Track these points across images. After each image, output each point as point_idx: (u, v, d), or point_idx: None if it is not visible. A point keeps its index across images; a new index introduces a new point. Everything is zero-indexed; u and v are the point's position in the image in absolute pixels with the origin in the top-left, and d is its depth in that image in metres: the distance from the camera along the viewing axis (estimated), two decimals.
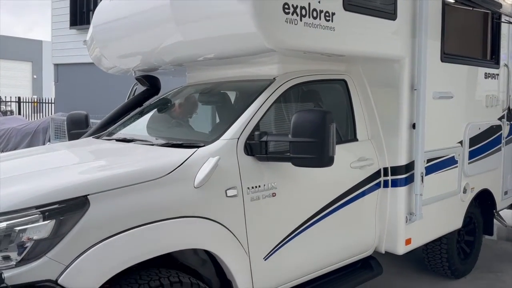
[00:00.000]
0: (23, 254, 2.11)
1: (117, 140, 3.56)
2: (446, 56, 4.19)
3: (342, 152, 3.39)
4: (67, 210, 2.21)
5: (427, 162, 3.96)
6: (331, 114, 2.78)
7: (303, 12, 2.90)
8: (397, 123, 3.78)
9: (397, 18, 3.59)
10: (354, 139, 3.71)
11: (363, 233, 3.72)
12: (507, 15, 5.04)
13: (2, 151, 11.29)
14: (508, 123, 5.23)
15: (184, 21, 3.31)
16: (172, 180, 2.57)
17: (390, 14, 3.54)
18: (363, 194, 3.63)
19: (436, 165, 4.11)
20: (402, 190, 3.80)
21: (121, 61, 4.24)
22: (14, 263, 2.10)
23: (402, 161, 3.79)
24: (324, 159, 2.76)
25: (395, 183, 3.80)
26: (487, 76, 4.83)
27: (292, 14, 2.85)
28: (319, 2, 2.98)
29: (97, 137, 3.85)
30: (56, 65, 16.59)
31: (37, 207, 2.16)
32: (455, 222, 4.51)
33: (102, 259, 2.23)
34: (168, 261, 2.62)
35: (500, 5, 4.86)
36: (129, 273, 2.38)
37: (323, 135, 2.72)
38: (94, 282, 2.19)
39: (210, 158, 2.70)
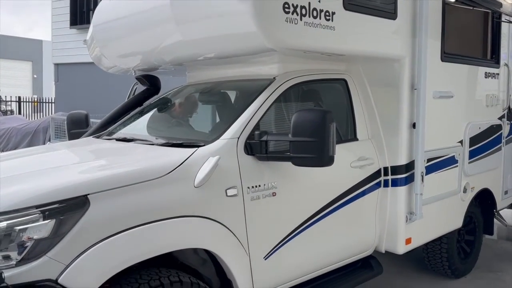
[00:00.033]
0: (23, 254, 2.12)
1: (117, 139, 3.56)
2: (446, 56, 4.18)
3: (342, 152, 3.39)
4: (67, 209, 2.21)
5: (427, 162, 3.96)
6: (331, 113, 2.78)
7: (303, 11, 2.90)
8: (397, 123, 3.78)
9: (397, 17, 3.59)
10: (354, 138, 3.71)
11: (363, 232, 3.72)
12: (507, 15, 5.03)
13: (2, 151, 11.29)
14: (508, 122, 5.22)
15: (184, 20, 3.31)
16: (172, 180, 2.57)
17: (390, 13, 3.54)
18: (363, 193, 3.63)
19: (436, 165, 4.11)
20: (402, 190, 3.80)
21: (121, 60, 4.24)
22: (14, 262, 2.11)
23: (402, 160, 3.79)
24: (324, 159, 2.76)
25: (395, 183, 3.80)
26: (487, 75, 4.82)
27: (292, 14, 2.85)
28: (319, 1, 2.98)
29: (97, 137, 3.86)
30: (56, 65, 16.58)
31: (37, 207, 2.16)
32: (455, 221, 4.51)
33: (102, 259, 2.23)
34: (168, 261, 2.62)
35: (501, 5, 4.86)
36: (129, 273, 2.38)
37: (323, 135, 2.72)
38: (94, 281, 2.19)
39: (210, 157, 2.70)
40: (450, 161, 4.27)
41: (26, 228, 2.13)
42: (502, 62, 5.06)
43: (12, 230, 2.11)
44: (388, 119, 3.81)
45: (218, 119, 3.92)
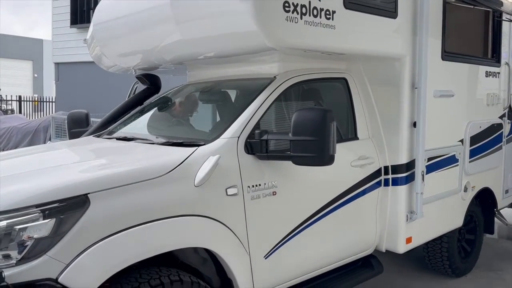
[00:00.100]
0: (23, 253, 2.12)
1: (118, 138, 3.56)
2: (447, 55, 4.18)
3: (342, 151, 3.39)
4: (68, 208, 2.21)
5: (428, 161, 3.96)
6: (332, 112, 2.77)
7: (304, 10, 2.90)
8: (398, 122, 3.77)
9: (398, 16, 3.58)
10: (355, 137, 3.71)
11: (363, 231, 3.72)
12: (508, 13, 5.02)
13: (3, 150, 11.29)
14: (509, 121, 5.22)
15: (184, 19, 3.31)
16: (173, 179, 2.57)
17: (391, 12, 3.53)
18: (363, 192, 3.63)
19: (437, 164, 4.10)
20: (402, 189, 3.79)
21: (122, 59, 4.24)
22: (15, 261, 2.11)
23: (403, 159, 3.78)
24: (324, 158, 2.75)
25: (395, 182, 3.80)
26: (488, 74, 4.82)
27: (293, 13, 2.84)
28: (319, 0, 2.98)
29: (98, 136, 3.86)
30: (57, 64, 16.58)
31: (37, 206, 2.16)
32: (456, 220, 4.51)
33: (102, 258, 2.23)
34: (168, 260, 2.62)
35: (501, 3, 4.85)
36: (130, 272, 2.38)
37: (323, 134, 2.72)
38: (94, 280, 2.19)
39: (211, 156, 2.70)
40: (451, 160, 4.27)
41: (26, 227, 2.13)
42: (503, 61, 5.05)
43: (12, 229, 2.11)
44: (388, 118, 3.80)
45: (218, 118, 3.92)
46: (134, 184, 2.43)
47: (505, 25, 5.06)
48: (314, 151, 2.73)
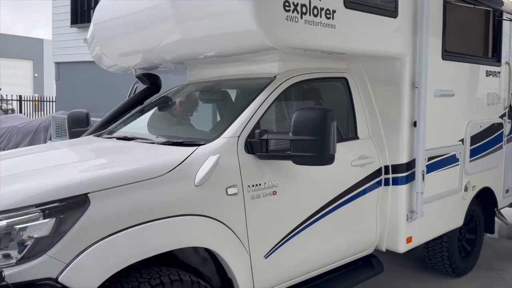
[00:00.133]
0: (23, 252, 2.11)
1: (118, 138, 3.56)
2: (447, 54, 4.18)
3: (342, 150, 3.39)
4: (68, 208, 2.21)
5: (428, 160, 3.96)
6: (332, 112, 2.77)
7: (304, 9, 2.90)
8: (398, 121, 3.77)
9: (398, 15, 3.58)
10: (355, 137, 3.71)
11: (364, 231, 3.72)
12: (508, 13, 5.02)
13: (3, 149, 11.29)
14: (510, 121, 5.22)
15: (185, 19, 3.31)
16: (173, 179, 2.57)
17: (391, 11, 3.53)
18: (364, 192, 3.63)
19: (437, 163, 4.10)
20: (403, 188, 3.79)
21: (122, 59, 4.24)
22: (15, 261, 2.11)
23: (403, 159, 3.78)
24: (324, 157, 2.75)
25: (396, 181, 3.80)
26: (488, 74, 4.81)
27: (293, 12, 2.84)
28: None
29: (98, 135, 3.86)
30: (57, 64, 16.58)
31: (37, 205, 2.16)
32: (456, 220, 4.50)
33: (102, 257, 2.23)
34: (168, 259, 2.62)
35: (502, 3, 4.85)
36: (130, 271, 2.38)
37: (323, 133, 2.72)
38: (94, 280, 2.19)
39: (211, 156, 2.70)
40: (451, 160, 4.27)
41: (26, 227, 2.13)
42: (503, 60, 5.05)
43: (12, 229, 2.11)
44: (389, 118, 3.80)
45: (218, 118, 3.92)
46: (134, 184, 2.43)
47: (506, 25, 5.06)
48: (314, 150, 2.73)
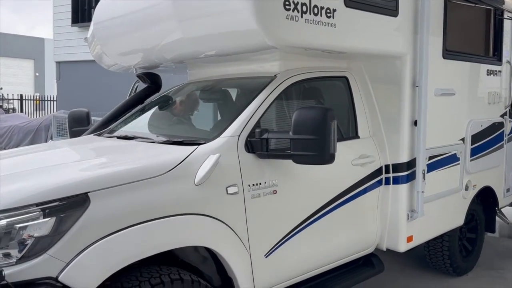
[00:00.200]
0: (23, 252, 2.11)
1: (118, 137, 3.56)
2: (448, 53, 4.17)
3: (343, 149, 3.38)
4: (68, 207, 2.21)
5: (429, 159, 3.95)
6: (332, 111, 2.77)
7: (304, 8, 2.89)
8: (399, 120, 3.77)
9: (399, 14, 3.57)
10: (356, 136, 3.70)
11: (364, 230, 3.71)
12: (509, 12, 5.01)
13: (5, 149, 11.31)
14: (510, 120, 5.21)
15: (185, 18, 3.31)
16: (173, 178, 2.57)
17: (392, 10, 3.52)
18: (364, 191, 3.62)
19: (438, 162, 4.10)
20: (403, 188, 3.79)
21: (122, 58, 4.24)
22: (15, 260, 2.10)
23: (404, 158, 3.78)
24: (325, 157, 2.75)
25: (396, 181, 3.79)
26: (489, 73, 4.81)
27: (293, 11, 2.84)
28: None
29: (99, 135, 3.86)
30: (58, 63, 16.59)
31: (37, 205, 2.16)
32: (457, 219, 4.50)
33: (102, 257, 2.23)
34: (169, 259, 2.61)
35: (503, 2, 4.84)
36: (130, 271, 2.37)
37: (324, 132, 2.71)
38: (94, 279, 2.19)
39: (211, 155, 2.70)
40: (452, 159, 4.26)
41: (26, 226, 2.13)
42: (504, 59, 5.04)
43: (13, 228, 2.11)
44: (389, 117, 3.80)
45: (219, 117, 3.92)
46: (134, 183, 2.43)
47: (507, 24, 5.05)
48: (315, 149, 2.73)
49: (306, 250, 3.22)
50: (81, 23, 15.31)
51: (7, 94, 26.04)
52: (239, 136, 2.91)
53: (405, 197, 3.80)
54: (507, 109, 5.14)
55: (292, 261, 3.14)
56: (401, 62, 3.74)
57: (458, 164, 4.33)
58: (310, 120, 2.73)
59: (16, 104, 26.42)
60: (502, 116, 5.04)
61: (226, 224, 2.73)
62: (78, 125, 4.25)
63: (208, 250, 2.73)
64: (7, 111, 21.66)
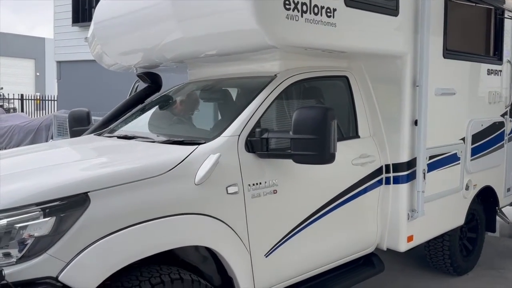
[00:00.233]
0: (23, 251, 2.11)
1: (119, 137, 3.56)
2: (449, 52, 4.17)
3: (343, 149, 3.38)
4: (68, 207, 2.21)
5: (429, 159, 3.95)
6: (333, 110, 2.77)
7: (304, 8, 2.89)
8: (399, 120, 3.77)
9: (399, 14, 3.57)
10: (356, 136, 3.70)
11: (365, 230, 3.71)
12: (510, 11, 5.00)
13: (5, 148, 11.31)
14: (511, 119, 5.20)
15: (185, 17, 3.31)
16: (173, 177, 2.57)
17: (392, 10, 3.52)
18: (364, 191, 3.62)
19: (439, 162, 4.09)
20: (404, 187, 3.79)
21: (122, 58, 4.24)
22: (15, 260, 2.11)
23: (404, 158, 3.78)
24: (325, 156, 2.75)
25: (397, 180, 3.79)
26: (490, 72, 4.80)
27: (293, 10, 2.84)
28: None
29: (99, 134, 3.86)
30: (59, 62, 16.60)
31: (37, 204, 2.16)
32: (458, 219, 4.50)
33: (102, 256, 2.23)
34: (169, 258, 2.61)
35: (503, 1, 4.83)
36: (130, 270, 2.37)
37: (324, 132, 2.71)
38: (94, 279, 2.19)
39: (211, 155, 2.70)
40: (452, 159, 4.26)
41: (26, 226, 2.13)
42: (505, 59, 5.04)
43: (13, 228, 2.11)
44: (389, 116, 3.79)
45: (219, 117, 3.92)
46: (134, 183, 2.43)
47: (507, 23, 5.04)
48: (315, 149, 2.73)
49: (307, 250, 3.22)
50: (81, 22, 15.32)
51: (8, 94, 26.05)
52: (239, 135, 2.91)
53: (406, 196, 3.79)
54: (508, 109, 5.13)
55: (293, 261, 3.14)
56: (401, 62, 3.73)
57: (459, 163, 4.33)
58: (310, 119, 2.73)
59: (16, 104, 26.42)
60: (502, 115, 5.04)
61: (226, 224, 2.72)
62: (78, 125, 4.25)
63: (208, 249, 2.73)
64: (7, 110, 21.67)
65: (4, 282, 2.02)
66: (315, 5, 2.95)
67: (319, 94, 3.74)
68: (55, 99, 21.62)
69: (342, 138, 3.52)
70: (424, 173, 3.81)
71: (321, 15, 2.99)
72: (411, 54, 3.73)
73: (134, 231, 2.33)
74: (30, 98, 26.64)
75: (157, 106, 4.09)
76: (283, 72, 3.38)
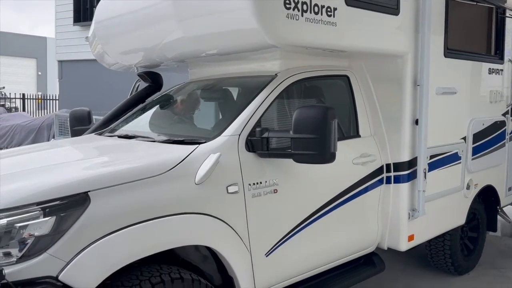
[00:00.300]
0: (23, 251, 2.12)
1: (119, 136, 3.57)
2: (450, 52, 4.16)
3: (344, 149, 3.38)
4: (68, 206, 2.21)
5: (430, 158, 3.94)
6: (333, 110, 2.76)
7: (305, 7, 2.89)
8: (400, 119, 3.76)
9: (400, 13, 3.56)
10: (356, 135, 3.70)
11: (365, 229, 3.71)
12: (511, 10, 4.99)
13: (7, 148, 11.33)
14: None
15: (186, 17, 3.31)
16: (173, 177, 2.57)
17: (393, 9, 3.51)
18: (365, 190, 3.62)
19: (439, 161, 4.09)
20: (404, 187, 3.78)
21: (123, 57, 4.24)
22: (15, 259, 2.11)
23: (405, 157, 3.77)
24: (325, 156, 2.75)
25: (397, 180, 3.79)
26: (491, 71, 4.79)
27: (294, 10, 2.83)
28: None
29: (100, 134, 3.86)
30: (60, 62, 16.61)
31: (37, 204, 2.16)
32: (459, 218, 4.49)
33: (103, 256, 2.23)
34: (169, 257, 2.62)
35: (505, 0, 4.82)
36: (130, 269, 2.38)
37: (324, 131, 2.71)
38: (95, 278, 2.20)
39: (211, 154, 2.70)
40: (453, 158, 4.25)
41: (26, 225, 2.13)
42: (506, 58, 5.03)
43: (13, 227, 2.11)
44: (390, 116, 3.79)
45: (220, 116, 3.92)
46: (134, 182, 2.43)
47: (509, 22, 5.03)
48: (315, 148, 2.73)
49: (307, 249, 3.22)
50: (83, 22, 15.32)
51: (9, 93, 26.08)
52: (239, 135, 2.91)
53: (406, 196, 3.79)
54: (509, 108, 5.12)
55: (293, 260, 3.14)
56: (402, 61, 3.73)
57: (460, 163, 4.32)
58: (311, 119, 2.72)
59: (18, 103, 26.46)
60: (504, 114, 5.03)
61: (227, 223, 2.73)
62: (79, 124, 4.25)
63: (208, 249, 2.73)
64: (9, 110, 21.73)
65: (4, 281, 2.02)
66: (316, 4, 2.94)
67: (320, 94, 3.73)
68: (57, 98, 21.65)
69: (342, 137, 3.52)
70: (425, 173, 3.80)
71: (322, 14, 2.99)
72: (412, 53, 3.73)
73: (135, 231, 2.34)
74: (31, 97, 26.67)
75: (157, 106, 4.10)
76: (283, 71, 3.38)
